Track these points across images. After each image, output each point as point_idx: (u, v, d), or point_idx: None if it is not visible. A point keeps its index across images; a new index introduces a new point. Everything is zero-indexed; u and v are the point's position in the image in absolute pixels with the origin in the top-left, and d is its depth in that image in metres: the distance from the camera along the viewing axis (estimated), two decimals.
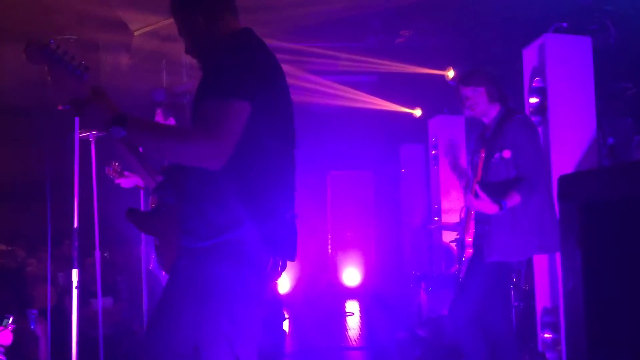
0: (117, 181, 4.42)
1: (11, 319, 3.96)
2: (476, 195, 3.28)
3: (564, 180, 2.08)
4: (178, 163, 2.10)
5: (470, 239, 3.52)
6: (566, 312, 2.03)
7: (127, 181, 4.47)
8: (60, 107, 3.45)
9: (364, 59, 8.16)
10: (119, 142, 1.99)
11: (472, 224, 3.52)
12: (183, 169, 2.04)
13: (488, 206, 3.27)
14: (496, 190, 3.32)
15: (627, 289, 1.76)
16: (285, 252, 2.05)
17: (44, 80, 1.97)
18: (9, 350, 3.94)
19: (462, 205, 3.65)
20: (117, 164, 4.42)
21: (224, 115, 1.87)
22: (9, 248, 6.88)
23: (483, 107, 3.59)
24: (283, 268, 2.09)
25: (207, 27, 2.11)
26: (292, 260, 2.10)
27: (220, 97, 1.88)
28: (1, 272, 4.98)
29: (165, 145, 1.93)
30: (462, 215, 3.64)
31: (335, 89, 8.81)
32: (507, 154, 3.36)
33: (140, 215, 2.16)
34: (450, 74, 7.62)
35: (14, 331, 3.94)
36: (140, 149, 2.40)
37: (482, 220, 3.47)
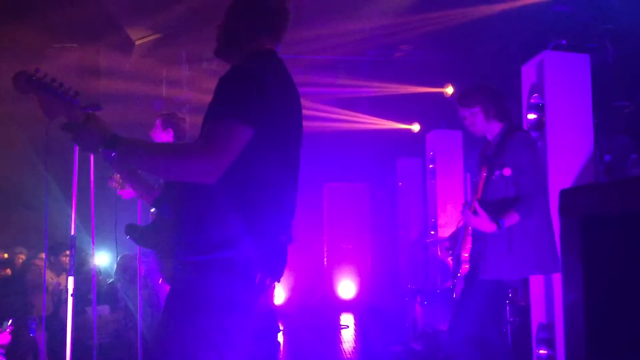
0: (119, 192, 4.44)
1: (10, 321, 3.97)
2: (475, 213, 3.26)
3: (565, 194, 2.10)
4: (169, 179, 2.13)
5: (467, 255, 3.52)
6: (566, 325, 2.04)
7: (129, 192, 4.49)
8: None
9: (362, 72, 8.23)
10: (111, 163, 2.02)
11: (469, 240, 3.51)
12: (181, 185, 2.07)
13: (486, 224, 3.26)
14: (495, 208, 3.32)
15: (628, 302, 1.77)
16: (273, 273, 2.08)
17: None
18: (9, 355, 3.95)
19: (460, 219, 3.65)
20: (119, 175, 4.44)
21: (222, 134, 1.90)
22: (9, 256, 6.87)
23: (481, 126, 3.59)
24: (270, 286, 2.11)
25: (244, 36, 2.16)
26: (277, 280, 2.13)
27: (223, 119, 1.92)
28: (3, 279, 4.98)
29: (157, 163, 1.97)
30: (460, 225, 3.64)
31: (334, 112, 8.91)
32: (507, 172, 3.35)
33: (139, 230, 2.17)
34: (449, 90, 7.67)
35: (12, 333, 3.95)
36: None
37: (479, 237, 3.47)
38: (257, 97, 1.95)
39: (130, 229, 2.20)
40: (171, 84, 7.84)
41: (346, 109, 9.11)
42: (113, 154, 1.93)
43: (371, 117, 9.23)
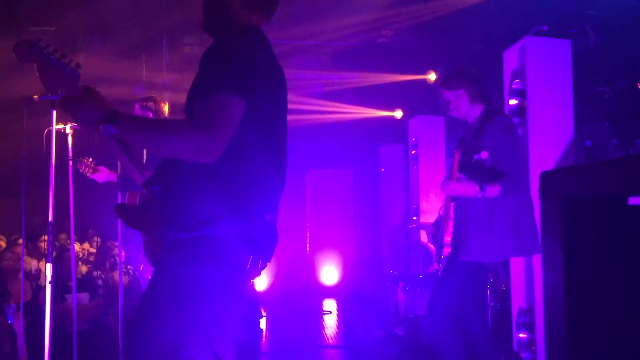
0: (91, 176, 4.39)
1: None
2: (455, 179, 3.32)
3: (545, 176, 2.10)
4: (170, 157, 2.08)
5: (449, 239, 3.53)
6: (546, 309, 2.05)
7: (101, 176, 4.45)
8: (36, 98, 3.39)
9: (344, 59, 8.20)
10: (110, 139, 1.97)
11: (450, 223, 3.53)
12: (172, 165, 2.03)
13: (468, 187, 3.31)
14: (480, 174, 3.34)
15: (608, 285, 1.78)
16: (263, 252, 2.05)
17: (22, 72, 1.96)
18: None
19: (442, 204, 3.67)
20: (90, 159, 4.39)
21: (219, 108, 1.86)
22: None
23: (464, 109, 3.61)
24: (262, 267, 2.09)
25: (235, 11, 2.11)
26: (269, 260, 2.10)
27: (217, 92, 1.88)
28: None
29: (157, 140, 1.93)
30: (441, 212, 3.66)
31: (317, 104, 8.90)
32: (484, 154, 3.37)
33: (129, 210, 2.13)
34: (432, 77, 7.67)
35: None
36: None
37: (460, 220, 3.49)
38: (245, 70, 1.92)
39: (120, 209, 2.15)
40: (151, 69, 7.76)
41: (329, 100, 9.11)
42: (114, 130, 1.88)
43: (354, 106, 9.23)
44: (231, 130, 1.87)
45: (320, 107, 9.07)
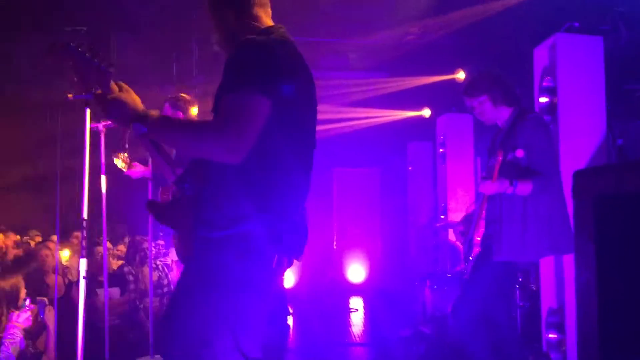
0: (126, 172, 4.44)
1: (28, 300, 4.00)
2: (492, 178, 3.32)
3: (578, 175, 2.08)
4: (198, 157, 2.12)
5: (479, 238, 3.50)
6: (579, 308, 2.03)
7: (136, 172, 4.50)
8: (70, 97, 3.46)
9: (373, 55, 8.19)
10: (140, 137, 2.01)
11: (482, 223, 3.49)
12: (204, 162, 2.06)
13: (501, 185, 3.30)
14: (515, 173, 3.33)
15: None
16: (291, 251, 2.07)
17: (59, 72, 2.01)
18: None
19: (470, 202, 3.65)
20: (125, 155, 4.44)
21: (244, 109, 1.88)
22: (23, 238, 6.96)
23: (490, 114, 3.59)
24: (289, 265, 2.10)
25: (237, 22, 2.14)
26: (298, 259, 2.12)
27: (241, 92, 1.89)
28: (17, 261, 5.03)
29: (186, 141, 1.97)
30: (469, 210, 3.64)
31: (345, 112, 8.92)
32: (520, 153, 3.34)
33: (159, 206, 2.17)
34: (461, 76, 7.62)
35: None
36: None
37: (492, 220, 3.46)
38: (267, 68, 1.92)
39: (151, 205, 2.19)
40: (181, 68, 7.83)
41: (357, 106, 9.12)
42: (144, 129, 1.93)
43: (382, 109, 9.23)
44: (256, 130, 1.89)
45: (348, 114, 9.11)
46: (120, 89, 2.01)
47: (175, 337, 1.99)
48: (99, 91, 2.00)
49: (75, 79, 2.01)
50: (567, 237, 3.38)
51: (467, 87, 3.65)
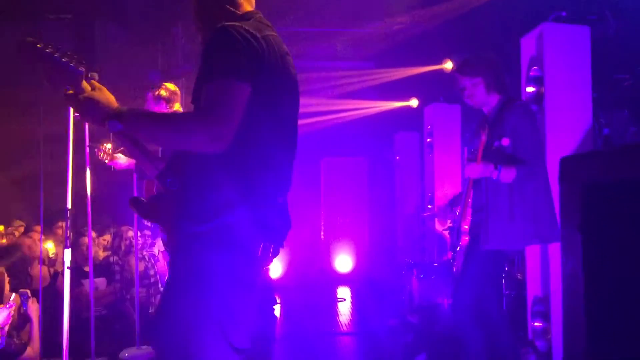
0: (109, 163, 4.41)
1: (13, 296, 3.94)
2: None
3: (565, 161, 2.08)
4: (179, 150, 2.09)
5: (467, 227, 3.49)
6: (565, 296, 2.03)
7: (119, 164, 4.47)
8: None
9: (360, 45, 8.15)
10: (117, 135, 1.98)
11: (469, 212, 3.48)
12: (184, 155, 2.04)
13: (484, 167, 3.29)
14: (500, 161, 3.32)
15: (627, 272, 1.76)
16: (275, 238, 2.05)
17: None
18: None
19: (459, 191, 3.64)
20: (107, 146, 4.41)
21: (223, 97, 1.86)
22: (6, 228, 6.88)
23: (481, 98, 3.53)
24: (275, 254, 2.09)
25: (217, 8, 2.12)
26: (282, 246, 2.11)
27: (219, 79, 1.87)
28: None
29: (166, 134, 1.94)
30: (455, 196, 3.63)
31: (333, 104, 8.88)
32: (505, 141, 3.32)
33: (142, 204, 2.14)
34: (448, 66, 7.61)
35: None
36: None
37: (479, 208, 3.45)
38: (244, 54, 1.90)
39: (134, 203, 2.16)
40: (167, 57, 7.76)
41: (344, 98, 9.09)
42: (119, 125, 1.90)
43: (370, 101, 9.21)
44: (237, 116, 1.87)
45: (336, 106, 9.08)
46: (93, 87, 1.97)
47: (164, 330, 1.99)
48: (71, 91, 1.97)
49: (45, 80, 1.97)
50: (552, 225, 3.38)
51: (464, 65, 3.55)
